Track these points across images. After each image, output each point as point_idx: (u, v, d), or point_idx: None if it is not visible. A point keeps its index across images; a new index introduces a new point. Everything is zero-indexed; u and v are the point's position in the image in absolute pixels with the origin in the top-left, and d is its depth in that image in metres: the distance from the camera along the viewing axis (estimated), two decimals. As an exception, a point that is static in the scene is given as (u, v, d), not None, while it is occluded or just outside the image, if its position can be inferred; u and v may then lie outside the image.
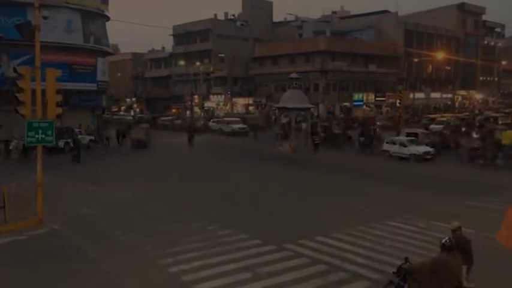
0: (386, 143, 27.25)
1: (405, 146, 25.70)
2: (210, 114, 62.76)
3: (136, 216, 13.62)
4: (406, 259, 6.97)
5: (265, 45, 63.94)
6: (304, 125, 32.05)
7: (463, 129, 36.16)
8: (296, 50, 58.21)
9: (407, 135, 28.70)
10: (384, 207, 14.34)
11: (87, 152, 29.17)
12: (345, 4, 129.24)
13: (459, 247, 6.75)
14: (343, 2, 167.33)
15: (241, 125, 42.69)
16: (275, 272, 9.12)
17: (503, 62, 75.52)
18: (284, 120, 32.58)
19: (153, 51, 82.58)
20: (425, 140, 28.00)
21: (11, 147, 28.58)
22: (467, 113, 52.61)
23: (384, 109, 61.06)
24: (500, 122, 40.15)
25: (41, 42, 13.35)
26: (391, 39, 63.05)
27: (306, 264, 9.57)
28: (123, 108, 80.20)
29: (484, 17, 78.31)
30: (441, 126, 38.56)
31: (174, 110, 69.56)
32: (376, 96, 60.67)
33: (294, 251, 10.33)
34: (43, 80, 12.66)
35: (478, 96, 79.22)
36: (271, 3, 75.49)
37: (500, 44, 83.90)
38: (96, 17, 40.61)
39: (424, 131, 32.63)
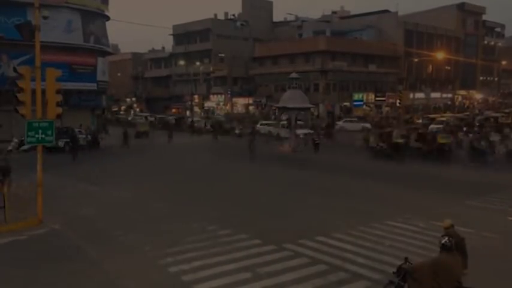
0: None
1: None
2: (210, 114, 62.79)
3: (136, 216, 13.62)
4: (406, 259, 6.97)
5: (265, 45, 63.97)
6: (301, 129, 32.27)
7: (464, 129, 36.13)
8: (296, 50, 58.25)
9: None
10: (384, 207, 14.34)
11: (88, 152, 29.21)
12: (345, 4, 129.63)
13: (457, 246, 6.75)
14: (343, 2, 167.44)
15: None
16: (275, 272, 9.12)
17: (503, 62, 75.60)
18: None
19: (153, 51, 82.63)
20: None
21: (10, 147, 28.61)
22: (467, 113, 52.63)
23: (384, 109, 61.09)
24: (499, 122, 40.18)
25: (41, 42, 13.34)
26: (391, 39, 63.09)
27: (306, 264, 9.56)
28: (123, 108, 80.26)
29: (484, 17, 78.40)
30: (440, 126, 38.58)
31: (174, 110, 69.60)
32: (376, 96, 60.71)
33: (294, 251, 10.32)
34: (43, 79, 12.66)
35: (478, 96, 79.27)
36: (271, 3, 75.54)
37: (500, 44, 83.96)
38: (96, 17, 40.60)
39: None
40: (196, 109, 64.49)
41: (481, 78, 79.67)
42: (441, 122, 40.09)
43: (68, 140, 30.02)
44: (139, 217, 13.54)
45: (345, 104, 58.65)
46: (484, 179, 19.32)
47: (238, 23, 68.02)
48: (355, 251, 10.27)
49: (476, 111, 58.33)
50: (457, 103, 73.34)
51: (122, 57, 79.91)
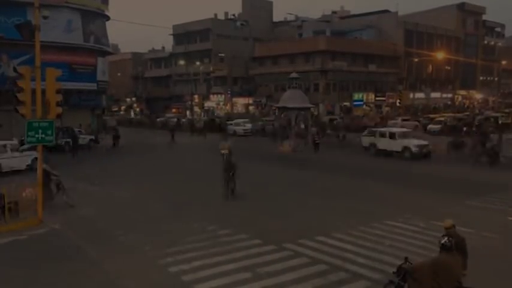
0: None
1: None
2: (210, 113, 62.75)
3: (136, 216, 13.62)
4: (406, 259, 6.97)
5: (265, 45, 63.97)
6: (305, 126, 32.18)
7: (464, 128, 36.13)
8: (296, 50, 58.24)
9: None
10: (384, 207, 14.34)
11: (89, 151, 29.21)
12: (345, 4, 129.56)
13: (457, 246, 6.75)
14: (343, 2, 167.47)
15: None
16: (275, 272, 9.12)
17: (503, 62, 75.49)
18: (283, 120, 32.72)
19: (153, 51, 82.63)
20: None
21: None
22: (467, 113, 52.60)
23: (384, 109, 61.11)
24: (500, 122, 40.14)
25: (41, 42, 13.34)
26: (391, 39, 63.10)
27: (306, 264, 9.57)
28: (123, 108, 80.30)
29: (484, 17, 78.40)
30: (439, 126, 38.59)
31: (174, 110, 69.62)
32: (376, 96, 60.72)
33: (294, 251, 10.32)
34: (43, 79, 12.66)
35: (478, 96, 79.29)
36: (271, 3, 75.53)
37: (500, 44, 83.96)
38: (96, 17, 40.59)
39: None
40: (196, 109, 64.49)
41: (481, 78, 79.68)
42: (439, 122, 40.07)
43: (69, 140, 30.08)
44: (139, 217, 13.55)
45: (345, 104, 58.66)
46: (485, 179, 19.32)
47: (238, 23, 68.00)
48: (355, 251, 10.27)
49: (476, 111, 58.30)
50: (457, 103, 73.35)
51: (122, 57, 79.89)
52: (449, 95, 73.21)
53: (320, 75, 55.90)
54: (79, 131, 32.92)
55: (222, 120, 49.04)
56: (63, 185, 14.96)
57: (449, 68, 70.75)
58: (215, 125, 46.07)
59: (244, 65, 65.48)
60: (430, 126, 39.33)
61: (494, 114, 46.15)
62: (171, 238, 11.30)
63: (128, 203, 15.48)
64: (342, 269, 9.30)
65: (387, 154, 26.20)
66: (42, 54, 13.44)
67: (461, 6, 72.78)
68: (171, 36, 73.10)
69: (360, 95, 59.84)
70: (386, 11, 68.27)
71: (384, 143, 26.59)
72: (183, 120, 52.73)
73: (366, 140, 28.32)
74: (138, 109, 78.05)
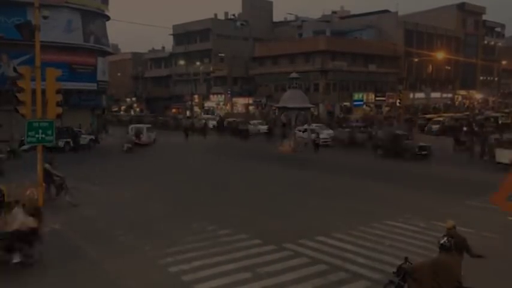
0: None
1: None
2: (210, 113, 62.72)
3: (136, 216, 13.62)
4: (406, 259, 6.98)
5: (265, 45, 63.96)
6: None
7: (464, 128, 36.14)
8: (296, 50, 58.24)
9: None
10: (384, 207, 14.34)
11: (89, 151, 29.20)
12: (345, 4, 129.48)
13: (456, 246, 6.76)
14: (343, 2, 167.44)
15: None
16: (275, 272, 9.12)
17: (503, 62, 75.54)
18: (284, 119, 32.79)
19: (153, 51, 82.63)
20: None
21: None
22: (467, 113, 52.60)
23: (384, 109, 61.11)
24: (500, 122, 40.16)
25: (41, 42, 13.36)
26: (391, 39, 63.08)
27: (306, 264, 9.57)
28: (123, 108, 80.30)
29: (484, 17, 78.36)
30: (437, 126, 38.60)
31: (174, 110, 69.62)
32: (376, 96, 60.71)
33: (294, 251, 10.33)
34: (43, 79, 12.67)
35: (478, 96, 79.27)
36: (271, 3, 75.51)
37: (500, 44, 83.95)
38: (96, 17, 40.59)
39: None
40: (196, 109, 64.49)
41: (481, 78, 79.66)
42: (438, 122, 40.03)
43: (69, 140, 30.11)
44: (139, 217, 13.54)
45: (345, 104, 58.67)
46: (485, 179, 19.30)
47: (238, 23, 68.00)
48: (355, 251, 10.27)
49: (476, 111, 58.32)
50: (457, 103, 73.34)
51: (122, 57, 79.89)
52: (449, 95, 73.20)
53: (320, 75, 55.89)
54: (79, 131, 32.93)
55: (239, 121, 44.59)
56: (66, 185, 14.98)
57: (449, 68, 70.73)
58: (233, 127, 41.61)
59: (244, 65, 65.48)
60: (429, 126, 39.34)
61: (494, 114, 46.17)
62: (171, 238, 11.30)
63: (128, 203, 15.47)
64: (342, 269, 9.30)
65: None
66: (42, 54, 13.46)
67: (461, 6, 72.77)
68: (171, 36, 73.12)
69: (360, 95, 59.84)
70: (386, 11, 68.26)
71: None
72: (192, 119, 52.49)
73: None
74: (138, 109, 78.04)
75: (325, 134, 33.18)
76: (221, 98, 66.83)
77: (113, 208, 14.87)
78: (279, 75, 55.12)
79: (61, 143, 28.70)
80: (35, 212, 9.71)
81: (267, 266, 9.41)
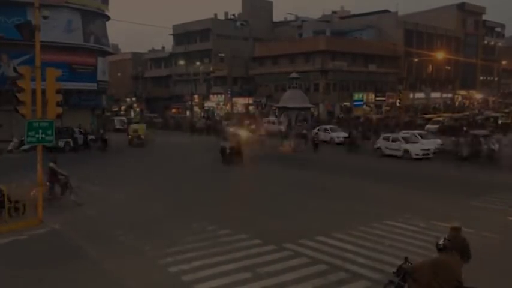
0: None
1: None
2: (210, 114, 62.72)
3: (136, 216, 13.62)
4: (406, 259, 6.97)
5: (265, 45, 63.97)
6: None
7: (465, 128, 36.11)
8: (296, 50, 58.24)
9: None
10: (384, 207, 14.33)
11: (89, 151, 29.22)
12: (345, 4, 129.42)
13: (457, 246, 6.76)
14: (343, 2, 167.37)
15: None
16: (275, 272, 9.12)
17: (503, 62, 75.57)
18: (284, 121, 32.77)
19: (153, 51, 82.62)
20: None
21: (10, 147, 28.65)
22: (467, 113, 52.57)
23: (384, 109, 61.12)
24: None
25: (41, 42, 13.35)
26: (391, 39, 63.09)
27: (306, 264, 9.56)
28: (123, 108, 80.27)
29: (484, 17, 78.36)
30: (437, 126, 38.56)
31: (174, 110, 69.61)
32: (376, 96, 60.72)
33: (294, 251, 10.32)
34: (43, 79, 12.66)
35: (478, 96, 79.27)
36: (271, 3, 75.50)
37: (500, 44, 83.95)
38: (96, 17, 40.62)
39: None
40: (196, 109, 64.50)
41: (481, 78, 79.66)
42: (437, 122, 39.99)
43: (69, 140, 30.18)
44: (139, 217, 13.55)
45: (345, 104, 58.68)
46: (485, 179, 19.32)
47: (238, 23, 68.01)
48: (355, 251, 10.27)
49: (476, 111, 58.31)
50: (457, 103, 73.34)
51: (122, 57, 79.87)
52: (449, 95, 73.21)
53: (320, 75, 55.89)
54: (79, 130, 32.97)
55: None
56: (71, 184, 15.01)
57: (449, 68, 70.74)
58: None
59: (244, 65, 65.48)
60: (428, 126, 39.30)
61: (494, 114, 46.14)
62: (171, 238, 11.30)
63: (129, 203, 15.48)
64: (342, 269, 9.30)
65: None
66: (42, 54, 13.44)
67: (461, 6, 72.77)
68: (171, 36, 73.11)
69: (360, 95, 59.84)
70: (386, 11, 68.26)
71: None
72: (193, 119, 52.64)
73: None
74: (138, 109, 78.03)
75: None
76: (221, 98, 66.83)
77: (113, 208, 14.88)
78: (279, 75, 55.11)
79: (61, 143, 28.74)
80: None
81: (267, 266, 9.41)
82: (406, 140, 26.03)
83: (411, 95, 63.37)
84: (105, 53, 42.65)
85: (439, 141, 27.56)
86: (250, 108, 63.75)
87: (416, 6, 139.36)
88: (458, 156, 24.12)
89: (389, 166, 23.60)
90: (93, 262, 9.87)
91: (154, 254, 10.23)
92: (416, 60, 57.64)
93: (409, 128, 34.06)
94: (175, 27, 71.71)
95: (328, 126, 37.27)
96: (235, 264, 9.51)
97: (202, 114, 63.51)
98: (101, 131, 34.65)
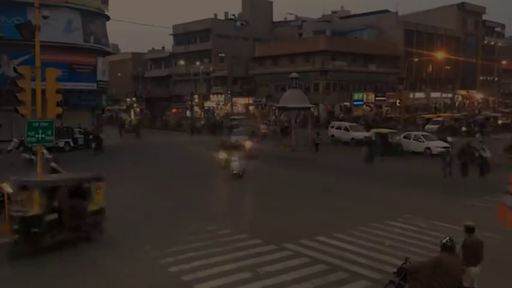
0: None
1: None
2: (210, 114, 62.66)
3: (136, 216, 13.62)
4: (407, 259, 6.98)
5: (265, 45, 63.95)
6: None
7: (464, 128, 36.13)
8: (296, 50, 58.19)
9: None
10: (384, 207, 14.33)
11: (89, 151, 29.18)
12: (345, 4, 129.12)
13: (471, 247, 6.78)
14: (343, 1, 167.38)
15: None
16: (275, 272, 9.12)
17: (503, 62, 75.49)
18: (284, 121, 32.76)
19: (153, 51, 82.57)
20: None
21: (10, 147, 28.60)
22: (465, 113, 52.55)
23: (384, 109, 61.09)
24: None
25: (41, 42, 13.34)
26: (391, 39, 63.07)
27: (306, 264, 9.57)
28: (123, 108, 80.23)
29: (484, 17, 78.33)
30: (436, 126, 38.56)
31: (174, 110, 69.59)
32: (376, 96, 60.69)
33: (294, 251, 10.32)
34: (43, 79, 12.66)
35: (478, 95, 79.26)
36: (271, 3, 75.46)
37: (500, 44, 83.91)
38: (97, 17, 40.60)
39: None
40: (196, 109, 64.48)
41: (481, 78, 79.63)
42: (437, 122, 39.99)
43: (68, 140, 30.20)
44: (139, 217, 13.55)
45: (345, 103, 58.67)
46: (485, 179, 19.31)
47: (238, 23, 67.97)
48: (355, 251, 10.27)
49: (477, 111, 58.29)
50: (457, 103, 73.32)
51: (122, 57, 79.82)
52: (450, 95, 73.19)
53: (320, 75, 55.87)
54: (79, 131, 32.98)
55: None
56: None
57: (449, 68, 70.73)
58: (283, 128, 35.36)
59: (244, 65, 65.45)
60: (428, 126, 39.31)
61: (493, 114, 46.11)
62: (171, 238, 11.31)
63: (128, 203, 15.45)
64: (342, 269, 9.30)
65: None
66: (42, 54, 13.43)
67: (461, 6, 72.74)
68: (171, 36, 73.07)
69: (360, 95, 59.79)
70: (386, 11, 68.22)
71: None
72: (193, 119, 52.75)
73: None
74: (138, 109, 78.01)
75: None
76: (221, 98, 66.82)
77: (112, 208, 14.84)
78: (279, 75, 55.01)
79: (61, 143, 28.76)
80: None
81: (267, 266, 9.41)
82: (427, 138, 28.32)
83: (411, 95, 63.34)
84: (105, 53, 42.63)
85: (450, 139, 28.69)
86: (250, 108, 63.72)
87: (417, 6, 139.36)
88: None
89: (389, 166, 23.52)
90: (93, 262, 9.87)
91: (154, 254, 10.23)
92: (416, 60, 57.62)
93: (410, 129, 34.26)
94: (175, 27, 71.67)
95: (348, 124, 34.48)
96: (235, 264, 9.51)
97: (203, 114, 63.60)
98: (94, 131, 34.66)
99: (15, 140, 29.24)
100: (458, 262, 6.47)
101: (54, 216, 10.83)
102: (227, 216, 13.44)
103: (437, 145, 26.80)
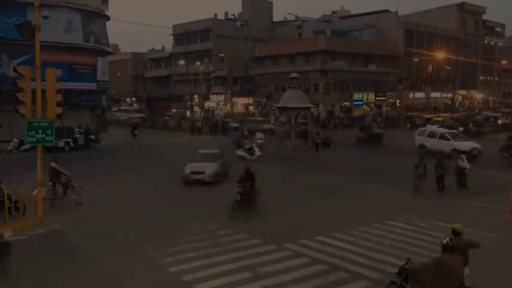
0: None
1: None
2: (210, 114, 62.67)
3: (136, 216, 13.63)
4: (408, 259, 6.98)
5: (265, 45, 63.96)
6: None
7: (461, 129, 36.09)
8: (296, 50, 58.20)
9: None
10: (384, 207, 14.33)
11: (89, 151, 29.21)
12: (345, 4, 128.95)
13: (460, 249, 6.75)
14: (343, 1, 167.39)
15: None
16: (275, 272, 9.12)
17: (504, 62, 75.49)
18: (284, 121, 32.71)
19: (153, 51, 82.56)
20: None
21: (10, 147, 28.63)
22: (464, 113, 52.55)
23: (384, 109, 61.11)
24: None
25: (41, 42, 13.35)
26: (391, 39, 63.08)
27: (306, 264, 9.56)
28: (123, 108, 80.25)
29: (484, 17, 78.34)
30: (436, 126, 38.54)
31: (174, 110, 69.59)
32: (376, 96, 60.71)
33: (294, 251, 10.32)
34: (43, 79, 12.66)
35: (478, 95, 79.27)
36: (271, 3, 75.45)
37: (500, 44, 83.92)
38: (96, 17, 40.63)
39: None
40: (196, 109, 64.48)
41: (481, 78, 79.66)
42: (437, 122, 39.98)
43: (68, 140, 30.21)
44: (139, 217, 13.55)
45: (345, 103, 58.68)
46: (485, 179, 19.29)
47: (238, 23, 67.96)
48: (356, 251, 10.27)
49: (477, 111, 58.30)
50: (457, 103, 73.33)
51: (122, 57, 79.83)
52: (450, 95, 73.20)
53: (320, 75, 55.87)
54: (79, 131, 32.99)
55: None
56: (73, 184, 15.02)
57: (449, 67, 70.75)
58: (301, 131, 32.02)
59: (244, 65, 65.45)
60: (427, 126, 39.27)
61: (493, 114, 46.08)
62: (171, 238, 11.30)
63: (129, 203, 15.46)
64: (342, 269, 9.29)
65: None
66: (42, 54, 13.44)
67: (461, 6, 72.75)
68: (171, 36, 73.06)
69: (360, 95, 59.82)
70: (386, 11, 68.23)
71: None
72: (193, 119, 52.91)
73: None
74: (138, 109, 78.04)
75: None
76: (221, 98, 66.81)
77: (113, 208, 14.87)
78: (279, 75, 55.01)
79: (61, 143, 28.76)
80: None
81: (267, 266, 9.41)
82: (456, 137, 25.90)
83: (411, 95, 63.37)
84: (105, 53, 42.66)
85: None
86: (250, 108, 63.71)
87: (417, 6, 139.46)
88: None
89: (389, 166, 23.48)
90: (93, 262, 9.87)
91: (154, 254, 10.23)
92: (416, 60, 57.64)
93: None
94: (175, 27, 71.67)
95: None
96: (235, 264, 9.51)
97: (203, 114, 63.61)
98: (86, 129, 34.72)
99: (15, 140, 29.28)
100: (459, 262, 6.46)
101: None
102: (227, 216, 13.42)
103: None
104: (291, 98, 31.01)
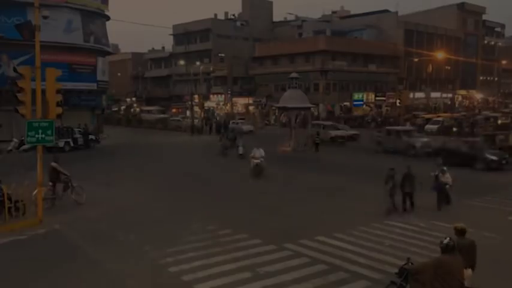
0: None
1: None
2: (210, 114, 62.70)
3: (136, 216, 13.62)
4: (408, 259, 6.97)
5: (265, 45, 63.98)
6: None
7: (454, 129, 36.11)
8: (296, 50, 58.23)
9: None
10: (384, 207, 14.29)
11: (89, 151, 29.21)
12: (345, 4, 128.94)
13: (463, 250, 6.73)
14: (343, 1, 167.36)
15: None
16: (275, 272, 9.12)
17: (503, 62, 75.52)
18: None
19: (153, 51, 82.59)
20: None
21: (10, 147, 28.62)
22: (464, 113, 52.51)
23: (384, 109, 61.12)
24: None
25: (41, 41, 13.34)
26: (391, 39, 63.11)
27: (306, 264, 9.56)
28: (123, 108, 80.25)
29: (484, 17, 78.38)
30: (436, 126, 38.55)
31: (174, 110, 69.59)
32: (376, 96, 60.72)
33: (294, 251, 10.32)
34: (43, 79, 12.66)
35: (478, 95, 79.29)
36: (271, 3, 75.48)
37: (500, 44, 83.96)
38: (96, 17, 40.61)
39: None
40: (196, 109, 64.47)
41: (481, 78, 79.70)
42: (437, 122, 39.97)
43: (68, 140, 30.21)
44: (139, 217, 13.55)
45: (345, 103, 58.70)
46: (485, 180, 19.30)
47: (238, 23, 67.99)
48: (356, 251, 10.27)
49: (476, 111, 58.27)
50: (457, 103, 73.34)
51: (122, 57, 79.84)
52: (450, 95, 73.22)
53: (320, 75, 55.88)
54: (79, 131, 32.98)
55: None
56: (72, 184, 15.02)
57: (449, 67, 70.78)
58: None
59: (244, 65, 65.46)
60: (427, 126, 39.30)
61: (493, 114, 46.04)
62: (171, 238, 11.30)
63: (129, 203, 15.46)
64: (342, 269, 9.29)
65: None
66: (42, 54, 13.44)
67: (461, 6, 72.79)
68: (171, 36, 73.07)
69: (360, 95, 59.84)
70: (386, 11, 68.26)
71: None
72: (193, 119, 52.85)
73: None
74: (138, 109, 78.02)
75: None
76: (221, 98, 66.82)
77: (113, 208, 14.87)
78: (279, 75, 55.04)
79: (61, 143, 28.77)
80: None
81: (267, 266, 9.40)
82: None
83: (411, 95, 63.38)
84: (105, 53, 42.63)
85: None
86: (250, 108, 63.71)
87: (417, 6, 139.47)
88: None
89: (389, 166, 23.43)
90: (93, 262, 9.87)
91: (154, 254, 10.22)
92: (416, 60, 57.65)
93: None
94: (175, 27, 71.68)
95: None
96: (235, 264, 9.51)
97: (203, 114, 63.60)
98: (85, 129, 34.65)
99: (15, 140, 29.27)
100: (459, 262, 6.45)
101: None
102: (227, 216, 13.43)
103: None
104: (291, 98, 31.00)
